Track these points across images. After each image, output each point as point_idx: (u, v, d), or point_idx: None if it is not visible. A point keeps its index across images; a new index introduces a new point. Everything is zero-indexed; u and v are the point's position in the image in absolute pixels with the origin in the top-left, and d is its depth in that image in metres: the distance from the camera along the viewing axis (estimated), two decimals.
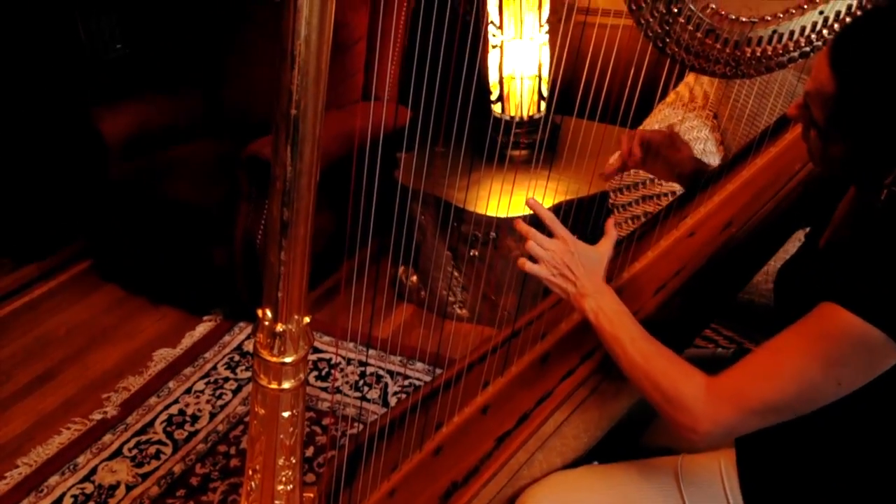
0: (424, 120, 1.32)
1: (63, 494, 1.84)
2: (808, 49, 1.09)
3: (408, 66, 2.57)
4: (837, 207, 1.04)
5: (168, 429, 2.03)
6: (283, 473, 1.06)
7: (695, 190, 1.33)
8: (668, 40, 1.08)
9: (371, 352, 2.32)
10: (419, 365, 2.30)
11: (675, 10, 1.06)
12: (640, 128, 1.89)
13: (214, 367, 2.27)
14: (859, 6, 1.05)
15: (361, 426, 1.59)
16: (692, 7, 1.06)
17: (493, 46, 2.40)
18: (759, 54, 1.09)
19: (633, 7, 1.07)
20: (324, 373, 2.27)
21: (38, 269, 2.74)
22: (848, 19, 1.06)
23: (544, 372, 1.17)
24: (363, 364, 2.27)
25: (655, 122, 2.20)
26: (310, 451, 1.94)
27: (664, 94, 2.33)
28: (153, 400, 2.14)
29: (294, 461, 1.07)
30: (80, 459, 1.94)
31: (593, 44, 1.55)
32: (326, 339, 2.40)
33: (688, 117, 2.24)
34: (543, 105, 2.52)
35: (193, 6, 2.81)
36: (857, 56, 0.84)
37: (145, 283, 2.61)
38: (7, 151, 2.65)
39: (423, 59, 1.14)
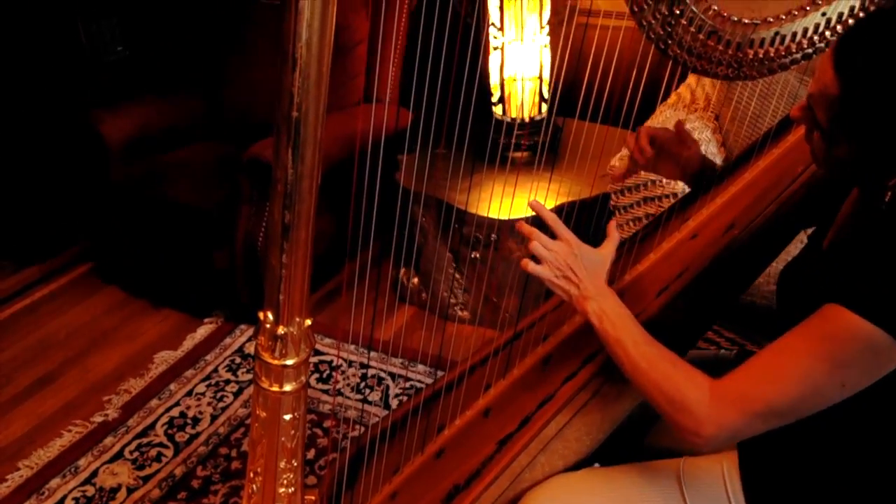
0: (425, 122, 1.32)
1: (64, 497, 1.84)
2: (810, 51, 1.09)
3: (409, 69, 2.57)
4: (840, 209, 1.04)
5: (169, 431, 2.03)
6: (284, 476, 1.06)
7: (697, 192, 1.32)
8: (669, 42, 1.08)
9: (372, 354, 2.32)
10: (420, 367, 2.29)
11: (677, 12, 1.06)
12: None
13: (216, 370, 2.26)
14: (862, 7, 1.05)
15: (363, 428, 1.59)
16: (694, 9, 1.06)
17: (494, 48, 2.40)
18: (761, 56, 1.09)
19: (635, 9, 1.07)
20: (325, 375, 2.26)
21: (39, 272, 2.74)
22: (851, 21, 1.06)
23: (546, 374, 1.17)
24: (364, 366, 2.27)
25: (657, 123, 2.20)
26: (311, 454, 1.94)
27: (666, 96, 2.33)
28: (154, 402, 2.14)
29: (295, 464, 1.07)
30: (81, 462, 1.94)
31: (595, 45, 1.54)
32: (328, 341, 2.40)
33: (689, 119, 2.24)
34: (545, 107, 2.52)
35: (194, 8, 2.81)
36: (861, 58, 0.84)
37: (146, 285, 2.62)
38: (8, 154, 2.65)
39: (424, 61, 1.14)
